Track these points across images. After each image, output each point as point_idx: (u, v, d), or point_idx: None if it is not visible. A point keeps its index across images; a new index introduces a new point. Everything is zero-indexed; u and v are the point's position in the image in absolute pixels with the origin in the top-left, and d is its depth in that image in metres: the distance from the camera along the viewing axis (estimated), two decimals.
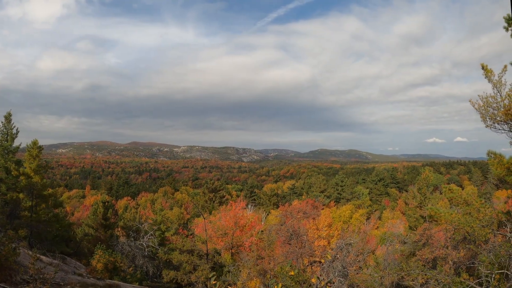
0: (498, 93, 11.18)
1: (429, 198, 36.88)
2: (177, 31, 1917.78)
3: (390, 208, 68.83)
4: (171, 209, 63.07)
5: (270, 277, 16.28)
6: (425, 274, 11.33)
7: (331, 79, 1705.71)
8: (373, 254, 29.79)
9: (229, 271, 19.98)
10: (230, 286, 15.21)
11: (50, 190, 25.78)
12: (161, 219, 29.15)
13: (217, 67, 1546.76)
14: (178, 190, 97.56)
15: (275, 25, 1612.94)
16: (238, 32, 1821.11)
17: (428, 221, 25.36)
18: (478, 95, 11.67)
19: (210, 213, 50.04)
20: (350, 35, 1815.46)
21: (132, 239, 26.98)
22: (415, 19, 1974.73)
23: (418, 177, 40.61)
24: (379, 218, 60.64)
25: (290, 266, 15.45)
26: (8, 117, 24.32)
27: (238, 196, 76.27)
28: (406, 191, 61.41)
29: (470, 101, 11.93)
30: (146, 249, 25.62)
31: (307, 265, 20.70)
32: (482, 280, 9.72)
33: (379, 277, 15.92)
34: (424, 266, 13.67)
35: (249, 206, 48.13)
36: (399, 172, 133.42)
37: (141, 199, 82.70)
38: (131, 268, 24.17)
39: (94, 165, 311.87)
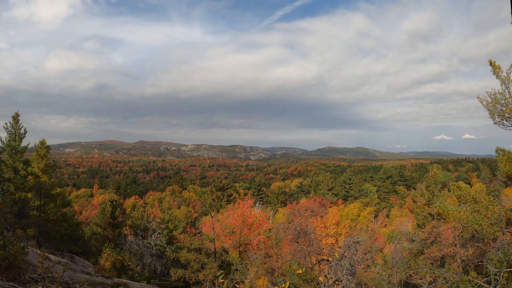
0: (507, 90, 11.08)
1: (437, 196, 36.71)
2: (183, 30, 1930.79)
3: (398, 206, 68.65)
4: (179, 207, 63.20)
5: (278, 275, 16.28)
6: (433, 273, 11.27)
7: (338, 77, 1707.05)
8: (381, 252, 29.72)
9: (236, 270, 19.96)
10: (238, 285, 15.22)
11: (58, 190, 25.91)
12: (169, 217, 29.18)
13: (224, 65, 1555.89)
14: (185, 189, 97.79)
15: (282, 23, 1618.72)
16: (244, 30, 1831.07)
17: (436, 219, 25.26)
18: (486, 92, 11.58)
19: (218, 212, 50.21)
20: (357, 32, 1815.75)
21: (140, 238, 27.04)
22: (422, 15, 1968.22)
23: (426, 175, 40.44)
24: (387, 216, 60.51)
25: (298, 264, 15.43)
26: (16, 118, 24.46)
27: (245, 194, 76.38)
28: (414, 188, 61.21)
29: (478, 98, 11.85)
30: (154, 248, 25.66)
31: (315, 263, 20.67)
32: (490, 279, 9.64)
33: (387, 275, 15.86)
34: (432, 264, 13.62)
35: (257, 204, 48.18)
36: (407, 170, 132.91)
37: (149, 197, 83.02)
38: (139, 267, 24.22)
39: (102, 164, 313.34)
